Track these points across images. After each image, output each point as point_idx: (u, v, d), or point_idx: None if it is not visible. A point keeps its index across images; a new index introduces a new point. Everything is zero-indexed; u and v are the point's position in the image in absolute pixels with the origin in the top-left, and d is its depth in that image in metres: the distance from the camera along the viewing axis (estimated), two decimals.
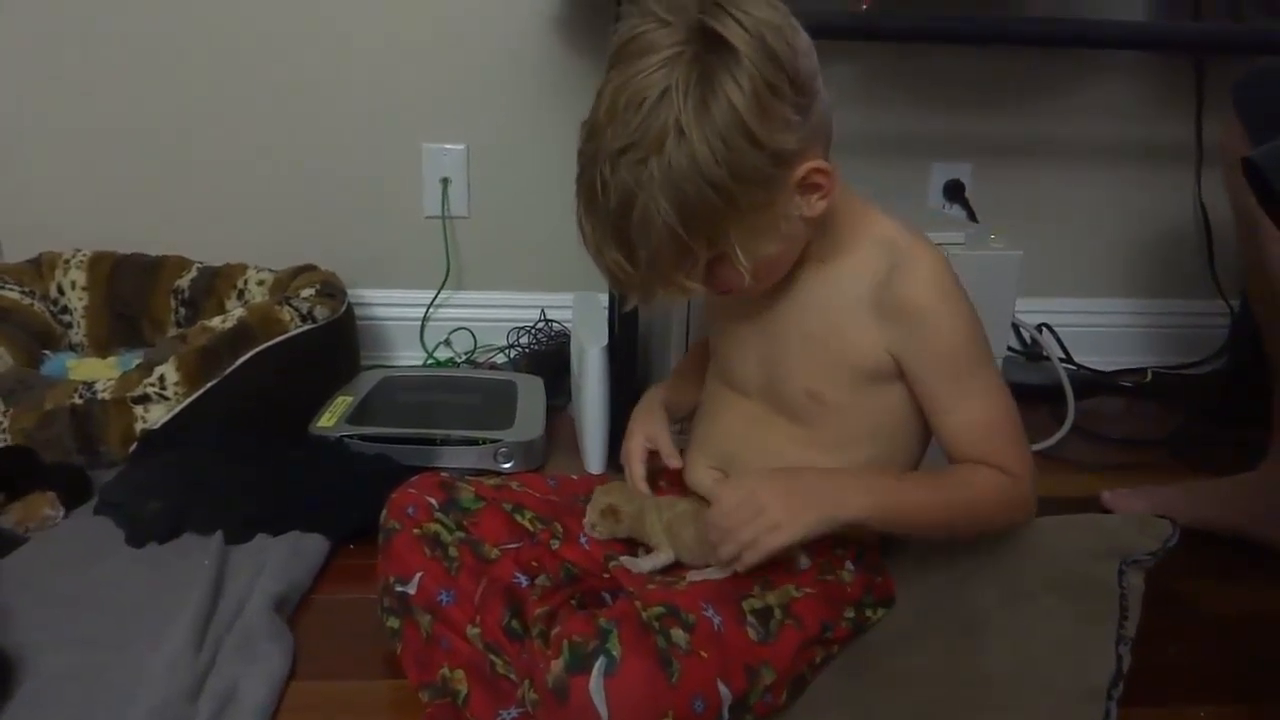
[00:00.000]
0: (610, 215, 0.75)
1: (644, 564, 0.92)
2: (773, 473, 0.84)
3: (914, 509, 0.85)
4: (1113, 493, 1.32)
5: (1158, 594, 0.91)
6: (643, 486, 0.97)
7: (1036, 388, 1.67)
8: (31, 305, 1.59)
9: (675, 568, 0.91)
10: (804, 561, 0.88)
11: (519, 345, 1.82)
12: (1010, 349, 1.77)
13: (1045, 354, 1.69)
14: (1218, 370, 1.91)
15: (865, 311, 0.84)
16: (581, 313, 1.56)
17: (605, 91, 0.75)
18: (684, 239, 0.74)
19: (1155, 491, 1.31)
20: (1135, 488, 1.33)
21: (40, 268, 1.65)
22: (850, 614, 0.87)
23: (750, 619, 0.80)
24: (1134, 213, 1.91)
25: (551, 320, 1.83)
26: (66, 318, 1.65)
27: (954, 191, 1.85)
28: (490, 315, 1.84)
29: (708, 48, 0.72)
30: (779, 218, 0.78)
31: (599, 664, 0.70)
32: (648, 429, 1.01)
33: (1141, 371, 1.91)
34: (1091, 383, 1.82)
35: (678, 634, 0.75)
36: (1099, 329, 1.92)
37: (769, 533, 0.78)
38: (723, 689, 0.75)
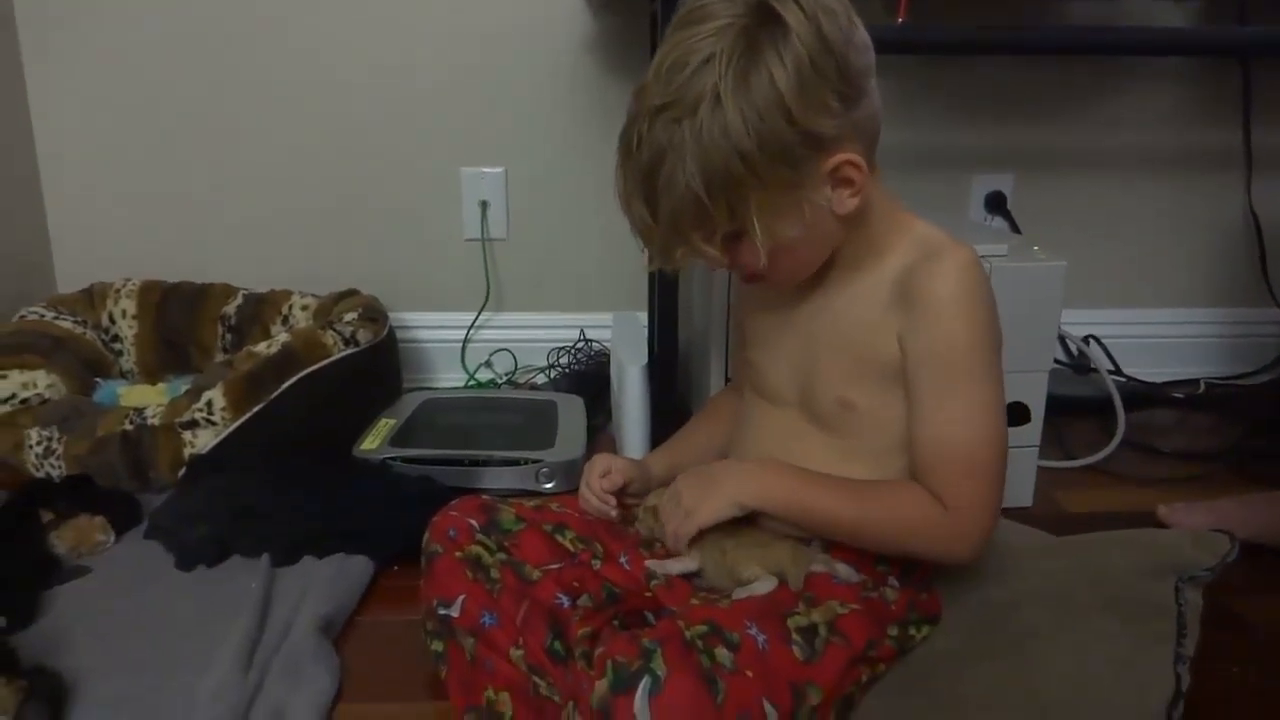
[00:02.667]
0: (640, 170, 0.77)
1: (669, 566, 0.92)
2: (696, 469, 0.91)
3: (820, 510, 0.85)
4: (1169, 507, 1.28)
5: (1217, 611, 0.89)
6: (590, 498, 1.00)
7: (1085, 400, 1.64)
8: (84, 334, 1.63)
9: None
10: (844, 573, 0.86)
11: (559, 365, 1.83)
12: (1057, 361, 1.74)
13: (1093, 366, 1.66)
14: (1273, 380, 1.86)
15: (889, 304, 0.84)
16: (621, 332, 1.56)
17: (660, 52, 0.77)
18: (705, 204, 0.75)
19: (1213, 506, 1.27)
20: (1192, 502, 1.29)
21: (92, 297, 1.69)
22: (894, 632, 0.85)
23: (795, 637, 0.78)
24: (1182, 220, 1.87)
25: (591, 340, 1.84)
26: (117, 346, 1.69)
27: (996, 203, 1.83)
28: (530, 336, 1.85)
29: (761, 22, 0.73)
30: (803, 202, 0.78)
31: (644, 684, 0.69)
32: (606, 461, 1.02)
33: (1194, 383, 1.86)
34: (1142, 395, 1.78)
35: (722, 653, 0.74)
36: (1148, 340, 1.88)
37: (685, 519, 0.87)
38: (769, 708, 0.73)
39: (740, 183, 0.75)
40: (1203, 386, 1.86)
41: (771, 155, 0.74)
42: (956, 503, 0.82)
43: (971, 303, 0.82)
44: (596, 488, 1.00)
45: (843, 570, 0.86)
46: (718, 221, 0.77)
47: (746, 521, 0.91)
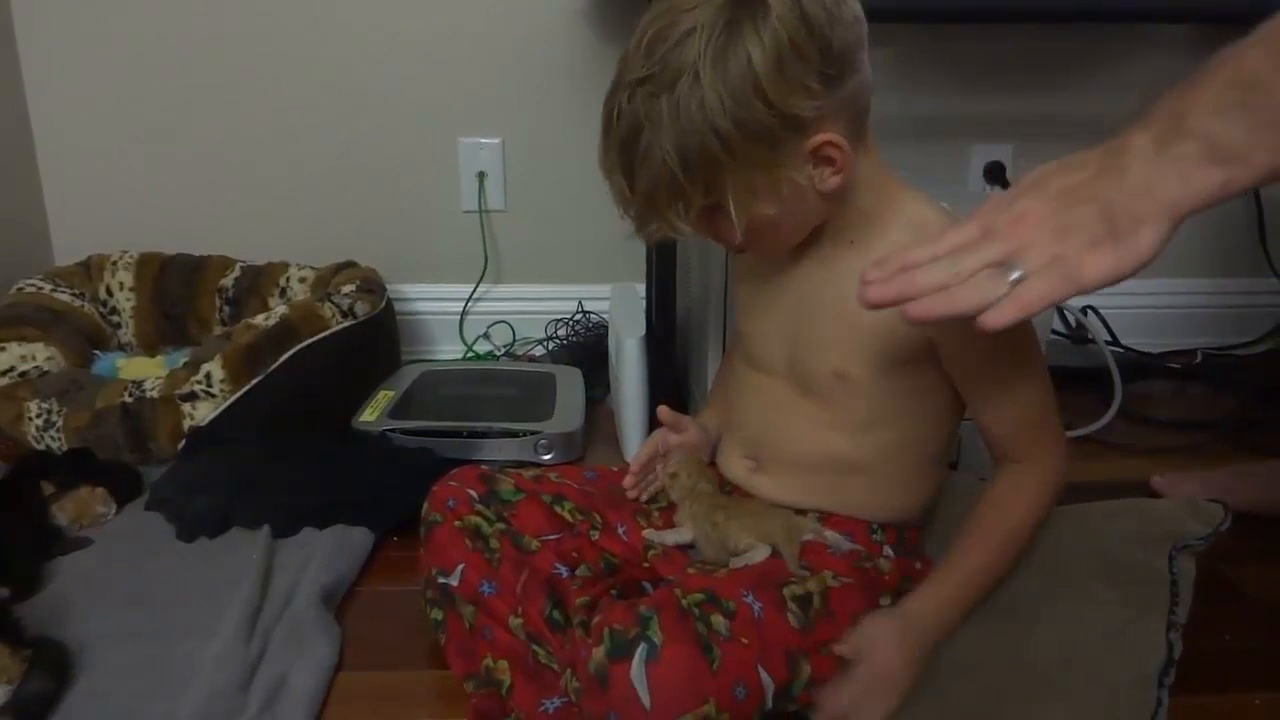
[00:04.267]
0: (619, 142, 0.77)
1: (665, 537, 0.93)
2: (864, 674, 0.79)
3: (979, 585, 0.86)
4: (1163, 476, 1.29)
5: (1209, 579, 0.89)
6: (635, 466, 0.98)
7: (1082, 371, 1.64)
8: (82, 307, 1.63)
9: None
10: (833, 539, 0.87)
11: (557, 337, 1.83)
12: (1055, 332, 1.74)
13: (1091, 337, 1.66)
14: (1270, 350, 1.86)
15: None
16: (619, 304, 1.56)
17: (642, 22, 0.76)
18: (680, 180, 0.75)
19: (1207, 475, 1.28)
20: (1186, 471, 1.30)
21: (89, 269, 1.68)
22: (887, 602, 0.86)
23: (791, 605, 0.79)
24: None
25: (589, 312, 1.84)
26: (115, 318, 1.69)
27: (995, 174, 1.82)
28: (528, 308, 1.85)
29: None
30: (782, 181, 0.77)
31: (640, 651, 0.70)
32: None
33: (1191, 353, 1.87)
34: (1139, 365, 1.79)
35: (718, 620, 0.74)
36: (1146, 310, 1.88)
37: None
38: (764, 676, 0.74)
39: (716, 161, 0.74)
40: (1200, 357, 1.86)
41: (748, 136, 0.73)
42: (1038, 456, 0.86)
43: None
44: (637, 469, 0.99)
45: (831, 537, 0.87)
46: (693, 197, 0.76)
47: (738, 492, 0.92)
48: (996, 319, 0.61)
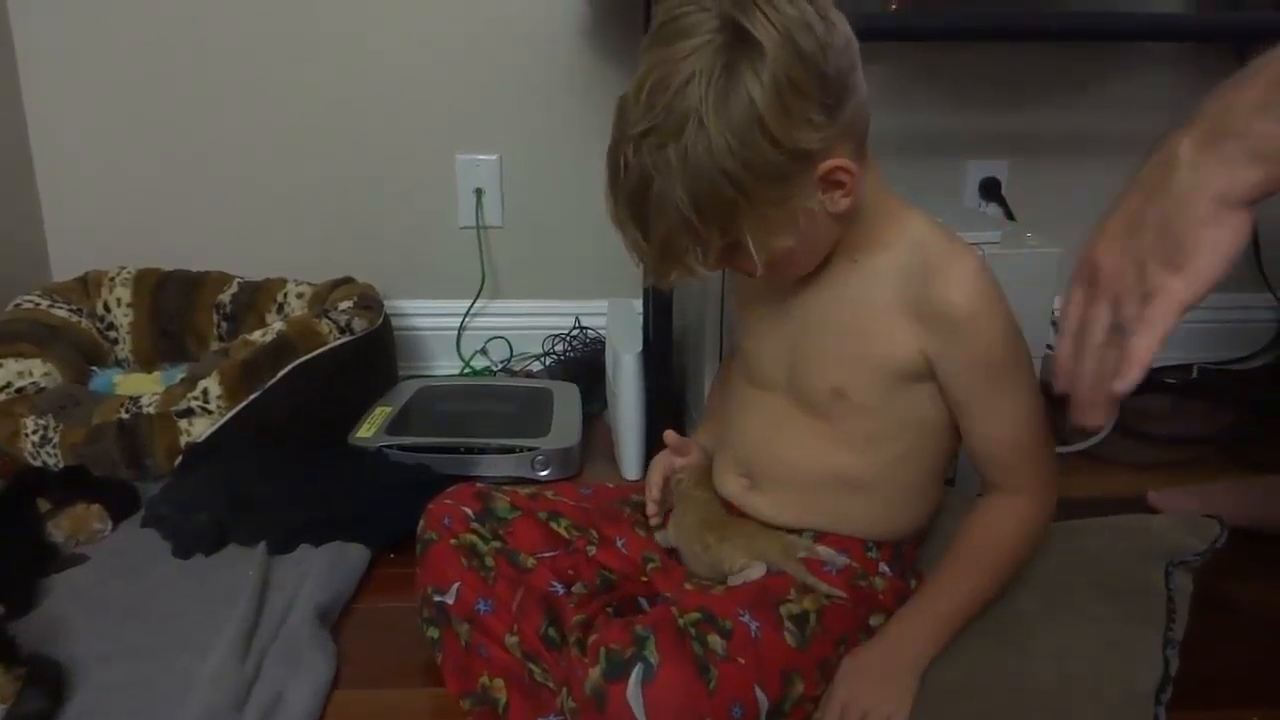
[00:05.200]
0: (629, 194, 0.76)
1: (657, 537, 0.95)
2: (845, 675, 0.83)
3: (967, 604, 0.87)
4: (1159, 492, 1.29)
5: (1206, 596, 0.89)
6: (652, 509, 0.98)
7: None
8: (79, 323, 1.63)
9: None
10: (825, 554, 0.87)
11: (554, 353, 1.83)
12: (1049, 347, 1.73)
13: None
14: (1266, 365, 1.87)
15: (898, 312, 0.83)
16: (616, 320, 1.56)
17: (640, 71, 0.75)
18: (696, 226, 0.75)
19: (1203, 490, 1.28)
20: (1182, 487, 1.30)
21: (87, 285, 1.69)
22: (877, 621, 0.86)
23: (788, 624, 0.79)
24: None
25: (586, 328, 1.84)
26: (113, 334, 1.69)
27: (990, 190, 1.83)
28: (525, 324, 1.85)
29: (736, 40, 0.72)
30: (797, 212, 0.77)
31: (636, 671, 0.70)
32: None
33: (1187, 368, 1.87)
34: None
35: (715, 640, 0.74)
36: None
37: None
38: (760, 695, 0.74)
39: (730, 203, 0.74)
40: (1196, 372, 1.86)
41: (759, 175, 0.73)
42: (1027, 486, 0.87)
43: (995, 305, 0.82)
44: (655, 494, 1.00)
45: (824, 552, 0.87)
46: (710, 240, 0.76)
47: (733, 510, 0.92)
48: (1123, 386, 0.64)
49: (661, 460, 1.00)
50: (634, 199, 0.76)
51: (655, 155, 0.73)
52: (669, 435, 1.00)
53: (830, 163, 0.76)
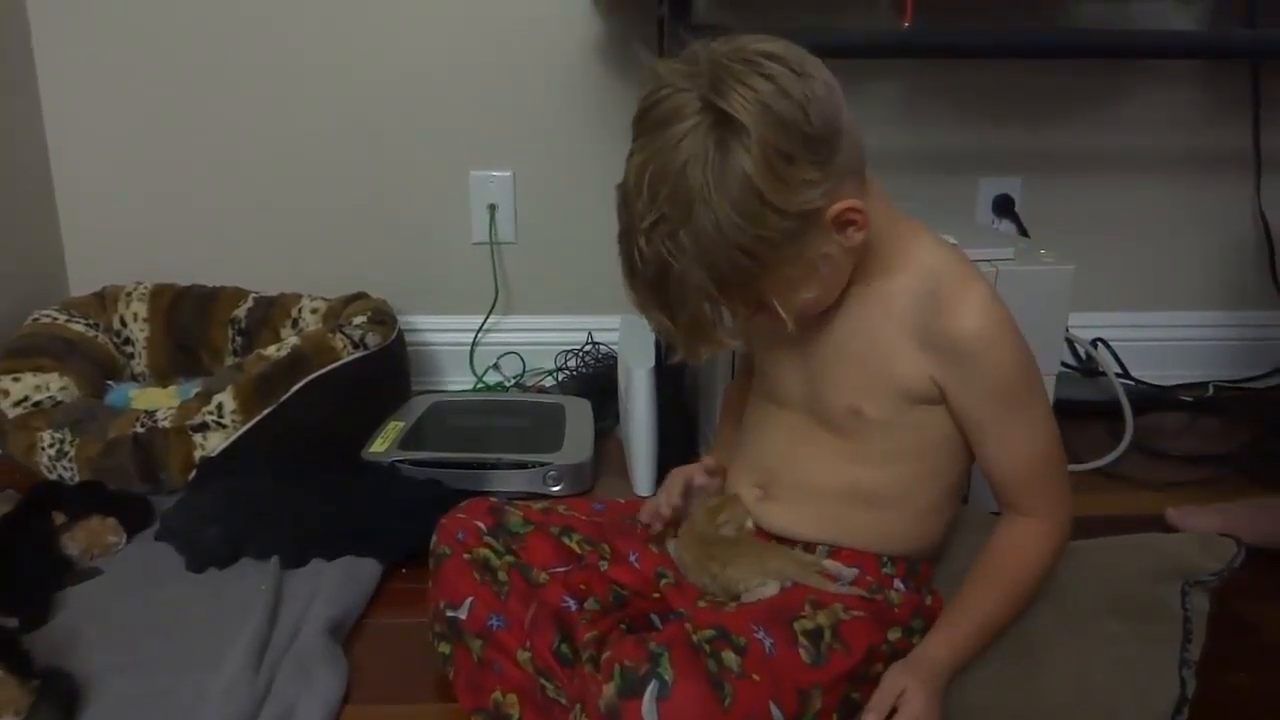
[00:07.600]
0: (650, 284, 0.78)
1: (669, 546, 0.95)
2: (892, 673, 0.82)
3: (986, 628, 0.86)
4: (1177, 510, 1.28)
5: (1222, 615, 0.88)
6: (665, 510, 0.97)
7: (1093, 404, 1.64)
8: (96, 337, 1.64)
9: None
10: (833, 568, 0.87)
11: (567, 368, 1.83)
12: (1064, 365, 1.74)
13: (1101, 369, 1.66)
14: None
15: (908, 338, 0.84)
16: (628, 335, 1.56)
17: (634, 161, 0.76)
18: (721, 301, 0.77)
19: (1222, 509, 1.27)
20: (1200, 505, 1.29)
21: (104, 300, 1.70)
22: (895, 636, 0.86)
23: (802, 640, 0.79)
24: (1190, 223, 1.87)
25: (599, 343, 1.84)
26: (129, 349, 1.70)
27: (1004, 206, 1.82)
28: (538, 339, 1.85)
29: (719, 121, 0.72)
30: (816, 261, 0.78)
31: (651, 688, 0.70)
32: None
33: (1202, 386, 1.86)
34: (1150, 398, 1.78)
35: (729, 657, 0.74)
36: (1156, 343, 1.88)
37: None
38: (776, 712, 0.74)
39: (748, 274, 0.75)
40: (1211, 390, 1.85)
41: (771, 243, 0.74)
42: (1042, 510, 0.87)
43: (1004, 333, 0.83)
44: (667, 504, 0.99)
45: (832, 567, 0.87)
46: (736, 310, 0.78)
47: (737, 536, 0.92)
48: None
49: (685, 472, 1.00)
50: (655, 287, 0.78)
51: (669, 243, 0.74)
52: (708, 460, 1.01)
53: (838, 207, 0.76)
